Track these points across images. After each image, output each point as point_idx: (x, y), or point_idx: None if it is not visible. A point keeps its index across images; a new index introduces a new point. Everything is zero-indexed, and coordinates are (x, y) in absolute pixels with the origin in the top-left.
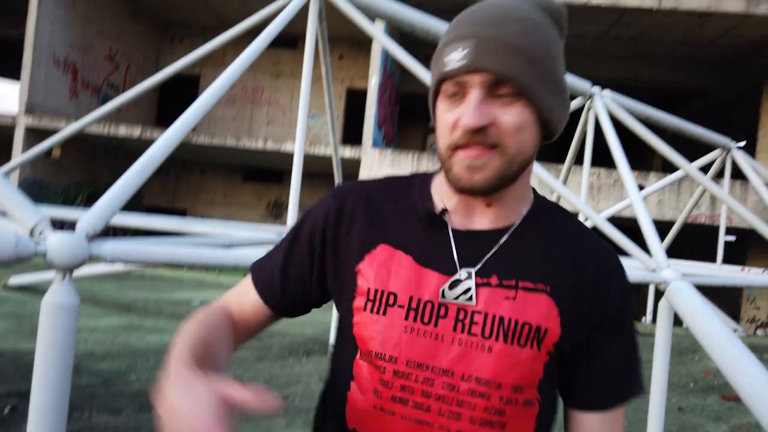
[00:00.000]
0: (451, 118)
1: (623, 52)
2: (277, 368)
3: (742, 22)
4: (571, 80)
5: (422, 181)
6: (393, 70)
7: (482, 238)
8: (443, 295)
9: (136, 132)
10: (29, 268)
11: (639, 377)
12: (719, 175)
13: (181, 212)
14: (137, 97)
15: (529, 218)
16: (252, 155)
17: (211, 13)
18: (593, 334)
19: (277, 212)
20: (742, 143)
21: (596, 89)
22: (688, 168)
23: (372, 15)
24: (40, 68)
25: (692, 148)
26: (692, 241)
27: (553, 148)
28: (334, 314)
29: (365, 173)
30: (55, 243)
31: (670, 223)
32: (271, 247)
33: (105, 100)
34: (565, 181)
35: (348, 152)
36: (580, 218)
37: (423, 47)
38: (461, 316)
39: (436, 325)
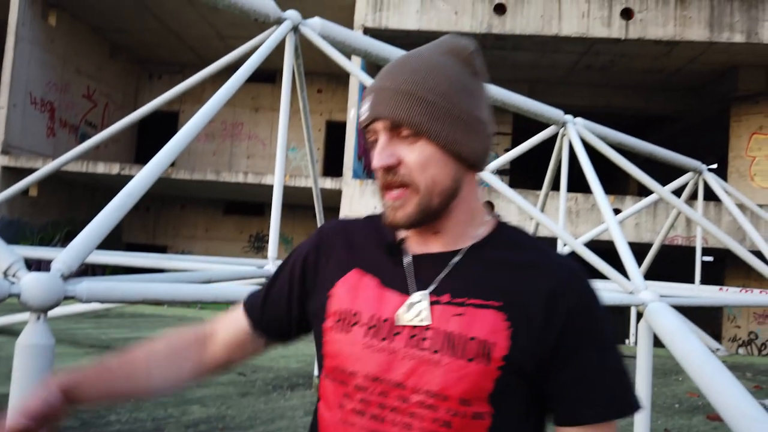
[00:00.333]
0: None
1: (595, 80)
2: (261, 404)
3: (707, 49)
4: (545, 109)
5: None
6: None
7: (438, 261)
8: (399, 316)
9: (114, 169)
10: (5, 310)
11: (629, 395)
12: (693, 197)
13: (162, 248)
14: (116, 134)
15: (484, 240)
16: (232, 189)
17: (189, 50)
18: (561, 349)
19: (258, 245)
20: (714, 166)
21: (569, 117)
22: (661, 192)
23: (347, 51)
24: (16, 108)
25: (667, 170)
26: (671, 263)
27: (531, 175)
28: None
29: (346, 204)
30: (30, 283)
31: (648, 246)
32: (250, 281)
33: (83, 138)
34: (543, 207)
35: (329, 183)
36: (559, 244)
37: None
38: (414, 333)
39: (392, 341)
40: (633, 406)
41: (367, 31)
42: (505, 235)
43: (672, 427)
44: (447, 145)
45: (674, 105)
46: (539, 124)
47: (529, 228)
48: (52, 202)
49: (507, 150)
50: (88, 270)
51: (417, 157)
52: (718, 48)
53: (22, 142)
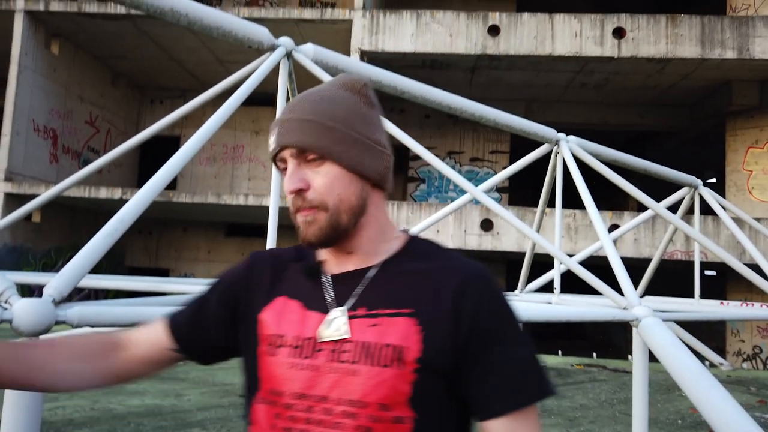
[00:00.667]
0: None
1: (590, 98)
2: None
3: (699, 66)
4: (537, 128)
5: None
6: None
7: (354, 277)
8: (320, 333)
9: (116, 194)
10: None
11: (538, 381)
12: (690, 212)
13: (164, 272)
14: (118, 158)
15: (395, 255)
16: (234, 211)
17: (189, 75)
18: (470, 348)
19: None
20: (713, 180)
21: (561, 135)
22: (656, 208)
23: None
24: (19, 135)
25: (666, 185)
26: (671, 277)
27: (532, 192)
28: None
29: None
30: (21, 309)
31: (648, 261)
32: None
33: (85, 164)
34: (539, 226)
35: None
36: (555, 263)
37: (392, 100)
38: (335, 347)
39: (315, 358)
40: (543, 390)
41: (364, 54)
42: (416, 247)
43: None
44: (350, 166)
45: (669, 120)
46: (536, 143)
47: (527, 246)
48: (55, 228)
49: (505, 168)
50: (90, 295)
51: (323, 178)
52: (711, 64)
53: (25, 168)
